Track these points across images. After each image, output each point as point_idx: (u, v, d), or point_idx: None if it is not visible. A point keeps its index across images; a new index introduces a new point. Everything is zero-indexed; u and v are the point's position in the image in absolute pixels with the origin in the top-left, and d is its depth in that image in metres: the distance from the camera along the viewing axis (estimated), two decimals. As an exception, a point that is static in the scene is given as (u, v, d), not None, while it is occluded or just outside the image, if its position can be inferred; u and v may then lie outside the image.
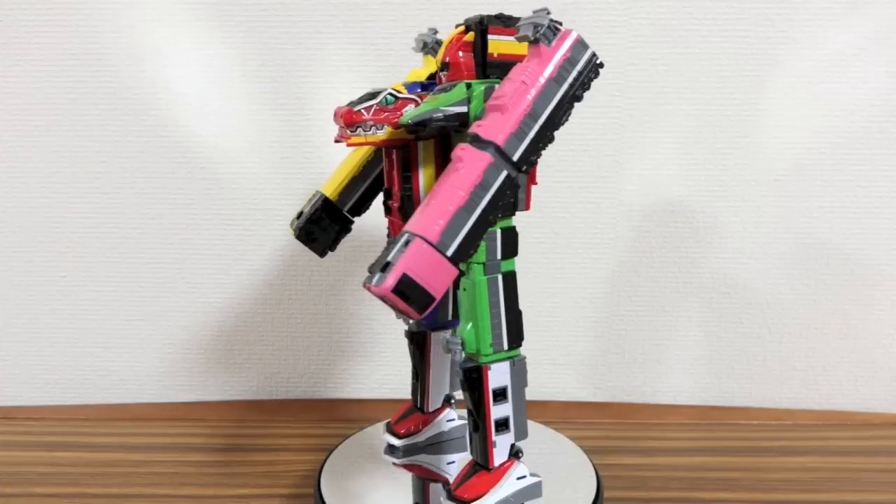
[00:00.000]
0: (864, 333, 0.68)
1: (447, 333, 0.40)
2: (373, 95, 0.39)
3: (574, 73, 0.37)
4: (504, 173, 0.35)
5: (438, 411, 0.49)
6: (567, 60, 0.36)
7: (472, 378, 0.39)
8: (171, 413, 0.68)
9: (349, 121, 0.38)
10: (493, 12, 0.40)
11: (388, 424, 0.50)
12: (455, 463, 0.47)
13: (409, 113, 0.38)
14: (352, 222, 0.47)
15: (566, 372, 0.70)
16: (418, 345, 0.47)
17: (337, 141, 0.40)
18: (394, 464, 0.47)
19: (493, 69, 0.40)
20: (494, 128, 0.35)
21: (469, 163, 0.35)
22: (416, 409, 0.49)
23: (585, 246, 0.68)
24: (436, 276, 0.33)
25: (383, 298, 0.33)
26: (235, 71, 0.66)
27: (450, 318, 0.46)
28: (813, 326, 0.68)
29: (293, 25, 0.65)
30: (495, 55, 0.39)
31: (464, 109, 0.37)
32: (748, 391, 0.70)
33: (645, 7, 0.64)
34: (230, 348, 0.71)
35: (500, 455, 0.40)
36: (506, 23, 0.39)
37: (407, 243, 0.33)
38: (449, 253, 0.34)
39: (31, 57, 0.66)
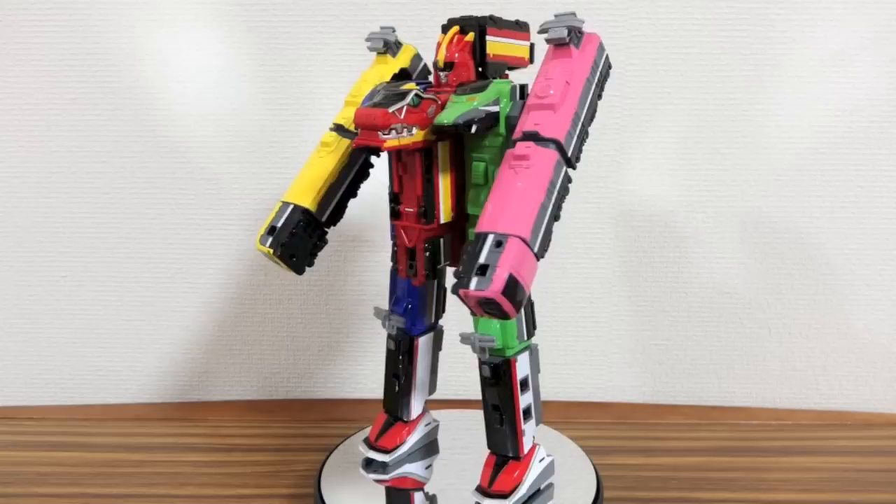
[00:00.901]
0: (864, 333, 0.68)
1: (475, 332, 0.39)
2: (399, 96, 0.37)
3: (598, 74, 0.37)
4: (565, 169, 0.35)
5: (420, 417, 0.47)
6: (594, 62, 0.37)
7: (501, 373, 0.40)
8: (171, 413, 0.68)
9: (386, 123, 0.36)
10: (488, 13, 0.40)
11: (366, 440, 0.47)
12: (431, 467, 0.46)
13: (449, 114, 0.36)
14: (326, 233, 0.45)
15: (566, 372, 0.70)
16: (406, 352, 0.46)
17: (360, 144, 0.38)
18: (377, 481, 0.45)
19: (488, 69, 0.40)
20: (553, 125, 0.35)
21: (538, 160, 0.34)
22: (397, 420, 0.47)
23: (585, 246, 0.68)
24: (530, 274, 0.33)
25: (484, 301, 0.32)
26: (235, 71, 0.66)
27: (433, 321, 0.46)
28: (813, 326, 0.68)
29: (293, 25, 0.65)
30: (491, 55, 0.40)
31: (497, 109, 0.37)
32: (748, 391, 0.70)
33: (645, 7, 0.64)
34: (230, 348, 0.71)
35: (528, 442, 0.41)
36: (498, 24, 0.40)
37: (499, 244, 0.32)
38: (536, 249, 0.33)
39: (31, 57, 0.66)
